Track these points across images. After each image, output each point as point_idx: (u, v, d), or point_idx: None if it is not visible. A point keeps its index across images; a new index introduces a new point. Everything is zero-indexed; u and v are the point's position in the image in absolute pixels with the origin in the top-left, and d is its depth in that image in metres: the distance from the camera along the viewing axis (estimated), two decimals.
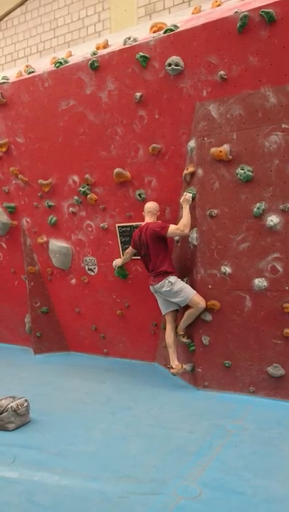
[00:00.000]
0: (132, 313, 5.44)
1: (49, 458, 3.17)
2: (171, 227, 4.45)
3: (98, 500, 2.61)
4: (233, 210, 4.22)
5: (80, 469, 2.98)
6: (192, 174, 4.44)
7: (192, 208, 4.47)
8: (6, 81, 5.68)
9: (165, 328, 4.76)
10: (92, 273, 5.65)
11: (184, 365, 4.55)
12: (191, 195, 4.41)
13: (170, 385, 4.65)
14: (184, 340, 4.58)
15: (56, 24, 8.00)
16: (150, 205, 4.74)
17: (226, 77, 4.13)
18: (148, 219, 4.70)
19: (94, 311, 5.73)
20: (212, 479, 2.78)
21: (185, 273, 4.69)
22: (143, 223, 4.71)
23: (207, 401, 4.16)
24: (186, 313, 4.52)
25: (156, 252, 4.55)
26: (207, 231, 4.36)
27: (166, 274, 4.52)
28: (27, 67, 5.73)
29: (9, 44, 8.91)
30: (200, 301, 4.38)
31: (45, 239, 5.91)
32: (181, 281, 4.53)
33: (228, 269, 4.27)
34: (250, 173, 4.07)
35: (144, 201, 4.94)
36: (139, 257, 4.87)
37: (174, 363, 4.57)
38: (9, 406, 3.67)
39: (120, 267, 5.25)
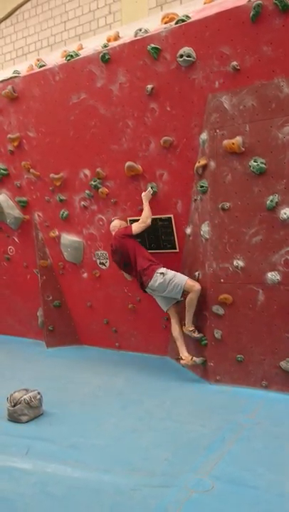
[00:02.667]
0: (143, 307, 5.43)
1: (62, 450, 3.19)
2: (134, 225, 4.79)
3: (111, 493, 2.62)
4: (245, 203, 4.17)
5: (92, 462, 3.00)
6: (204, 167, 4.40)
7: (204, 201, 4.43)
8: (17, 75, 5.68)
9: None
10: (103, 267, 5.65)
11: (194, 358, 4.54)
12: (152, 190, 4.80)
13: (182, 379, 4.65)
14: (196, 335, 4.55)
15: (67, 17, 7.98)
16: (112, 224, 5.11)
17: (238, 67, 4.07)
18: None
19: (105, 305, 5.74)
20: (224, 473, 2.78)
21: (196, 267, 4.66)
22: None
23: (219, 395, 4.14)
24: (187, 303, 4.54)
25: (132, 254, 4.72)
26: (219, 224, 4.32)
27: (151, 267, 4.61)
28: (38, 60, 5.72)
29: (20, 38, 8.92)
30: (194, 284, 4.48)
31: (57, 233, 5.93)
32: (170, 270, 4.60)
33: (240, 263, 4.23)
34: (264, 166, 4.01)
35: (156, 195, 4.91)
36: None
37: (184, 354, 4.59)
38: (22, 398, 3.71)
39: None
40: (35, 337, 6.61)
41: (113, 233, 5.05)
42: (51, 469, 2.92)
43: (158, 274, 4.56)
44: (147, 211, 4.76)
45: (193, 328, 4.59)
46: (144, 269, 4.65)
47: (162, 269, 4.60)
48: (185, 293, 4.56)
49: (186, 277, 4.55)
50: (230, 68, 4.11)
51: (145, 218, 4.73)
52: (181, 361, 4.61)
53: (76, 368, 5.24)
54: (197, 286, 4.47)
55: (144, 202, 4.80)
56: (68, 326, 6.23)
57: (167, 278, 4.54)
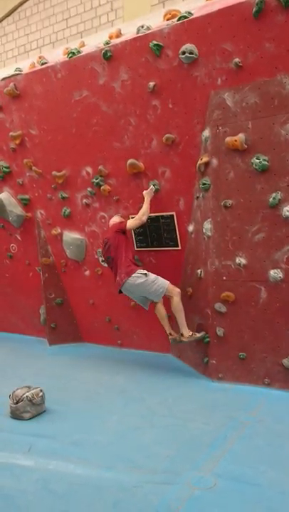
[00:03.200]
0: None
1: (64, 447, 3.20)
2: (129, 221, 4.86)
3: (113, 490, 2.63)
4: (248, 200, 4.16)
5: (94, 459, 3.01)
6: (206, 164, 4.39)
7: (206, 199, 4.42)
8: (19, 73, 5.67)
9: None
10: (106, 264, 5.64)
11: (194, 333, 4.60)
12: (154, 188, 4.82)
13: (184, 376, 4.65)
14: (198, 336, 4.54)
15: (69, 14, 7.96)
16: (113, 219, 5.11)
17: (241, 64, 4.05)
18: None
19: (108, 302, 5.74)
20: (227, 471, 2.78)
21: (199, 264, 4.65)
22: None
23: (221, 393, 4.14)
24: (173, 311, 4.62)
25: (120, 251, 4.75)
26: (221, 222, 4.31)
27: (131, 267, 4.67)
28: (40, 58, 5.71)
29: (22, 35, 8.91)
30: (174, 287, 4.63)
31: (59, 231, 5.93)
32: (151, 273, 4.66)
33: (242, 261, 4.22)
34: (266, 163, 4.00)
35: (158, 192, 4.91)
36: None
37: (169, 329, 4.77)
38: (25, 396, 3.72)
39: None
40: (37, 334, 6.62)
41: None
42: (53, 466, 2.93)
43: (139, 274, 4.60)
44: (146, 209, 4.78)
45: (191, 332, 4.59)
46: (125, 267, 4.67)
47: (142, 271, 4.66)
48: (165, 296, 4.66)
49: (167, 281, 4.63)
50: (233, 65, 4.09)
51: (141, 215, 4.77)
52: (182, 338, 4.64)
53: (78, 366, 5.25)
54: (177, 289, 4.63)
55: (145, 199, 4.82)
56: (70, 324, 6.24)
57: (150, 279, 4.59)
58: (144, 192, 4.85)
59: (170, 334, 4.77)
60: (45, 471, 2.88)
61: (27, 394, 3.74)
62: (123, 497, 2.55)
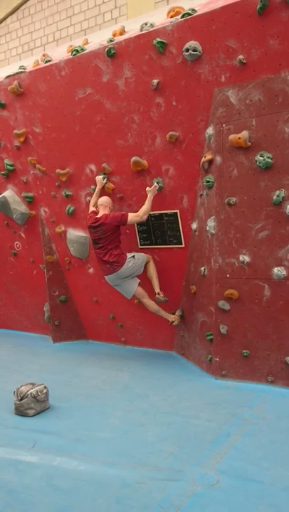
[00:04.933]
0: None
1: (68, 443, 3.22)
2: (131, 215, 4.88)
3: (116, 486, 2.64)
4: (252, 198, 4.16)
5: (98, 455, 3.03)
6: (210, 162, 4.38)
7: (210, 197, 4.42)
8: (23, 70, 5.68)
9: (142, 304, 5.24)
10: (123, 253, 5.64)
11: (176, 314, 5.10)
12: (158, 186, 4.84)
13: (187, 373, 4.66)
14: (164, 298, 5.03)
15: (72, 12, 7.94)
16: (103, 199, 5.14)
17: (245, 61, 4.04)
18: (102, 211, 5.08)
19: (111, 300, 5.76)
20: (230, 467, 2.79)
21: (202, 262, 4.66)
22: (96, 215, 5.07)
23: (225, 390, 4.15)
24: (151, 274, 5.11)
25: (112, 241, 4.95)
26: (225, 219, 4.31)
27: (122, 256, 4.96)
28: (44, 56, 5.71)
29: (26, 33, 8.91)
30: (147, 254, 5.13)
31: (63, 228, 5.94)
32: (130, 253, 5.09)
33: (246, 258, 4.22)
34: (270, 160, 3.99)
35: (162, 190, 4.91)
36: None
37: (170, 317, 5.08)
38: (29, 392, 3.74)
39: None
40: (41, 332, 6.65)
41: (101, 208, 5.09)
42: (57, 462, 2.95)
43: (129, 259, 4.97)
44: (148, 207, 4.83)
45: (161, 292, 5.06)
46: (118, 256, 4.94)
47: (130, 254, 5.04)
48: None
49: (142, 253, 5.13)
50: (237, 62, 4.08)
51: (142, 213, 4.82)
52: (173, 323, 5.10)
53: (82, 363, 5.27)
54: (149, 255, 5.16)
55: (148, 197, 4.84)
56: (74, 321, 6.26)
57: (135, 257, 5.01)
58: (147, 189, 4.85)
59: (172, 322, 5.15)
60: (50, 467, 2.90)
61: (31, 391, 3.76)
62: (126, 493, 2.57)
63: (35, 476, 2.80)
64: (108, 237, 4.93)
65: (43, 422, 3.60)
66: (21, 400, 3.74)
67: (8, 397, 3.90)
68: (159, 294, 5.06)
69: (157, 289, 5.08)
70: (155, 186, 4.84)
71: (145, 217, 4.84)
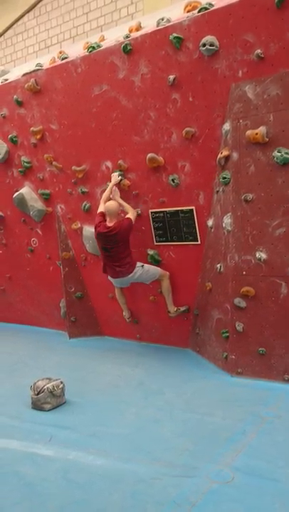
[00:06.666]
0: (164, 299, 5.43)
1: (83, 438, 3.25)
2: (131, 215, 5.03)
3: (131, 481, 2.66)
4: (269, 194, 4.11)
5: (113, 450, 3.05)
6: (227, 158, 4.34)
7: (226, 193, 4.39)
8: (39, 68, 5.72)
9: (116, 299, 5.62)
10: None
11: (178, 308, 5.22)
12: (119, 177, 5.17)
13: (203, 371, 4.65)
14: (183, 309, 5.16)
15: (89, 8, 7.95)
16: (112, 207, 5.08)
17: (262, 55, 3.98)
18: (113, 219, 5.04)
19: (127, 296, 5.77)
20: (245, 465, 2.78)
21: (218, 259, 4.63)
22: (106, 224, 5.05)
23: (240, 388, 4.12)
24: (163, 291, 5.19)
25: (124, 248, 5.03)
26: (242, 216, 4.27)
27: (133, 262, 5.08)
28: (60, 53, 5.74)
29: (43, 31, 8.96)
30: (165, 272, 5.16)
31: (79, 225, 5.98)
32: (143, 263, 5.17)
33: (263, 255, 4.18)
34: (288, 156, 3.93)
35: (178, 186, 4.89)
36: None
37: (172, 308, 5.21)
38: (45, 387, 3.79)
39: (153, 253, 5.28)
40: (57, 327, 6.71)
41: (111, 216, 5.03)
42: (73, 456, 2.99)
43: (138, 268, 5.07)
44: (126, 204, 5.12)
45: (175, 307, 5.18)
46: (128, 263, 5.04)
47: (139, 263, 5.11)
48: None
49: (158, 268, 5.18)
50: (254, 56, 4.03)
51: (131, 208, 5.09)
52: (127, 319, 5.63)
53: (98, 359, 5.30)
54: (167, 273, 5.17)
55: (118, 200, 5.15)
56: (90, 317, 6.30)
57: (145, 269, 5.10)
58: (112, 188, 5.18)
59: (129, 318, 5.63)
60: (65, 461, 2.94)
61: (48, 385, 3.81)
62: (141, 488, 2.58)
63: (52, 469, 2.84)
64: (121, 246, 4.99)
65: (59, 417, 3.64)
66: (38, 394, 3.79)
67: (25, 391, 3.95)
68: (170, 312, 5.19)
69: (170, 307, 5.18)
70: (114, 176, 5.16)
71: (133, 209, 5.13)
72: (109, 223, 5.01)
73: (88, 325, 6.30)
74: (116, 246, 4.98)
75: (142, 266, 5.09)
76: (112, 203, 5.10)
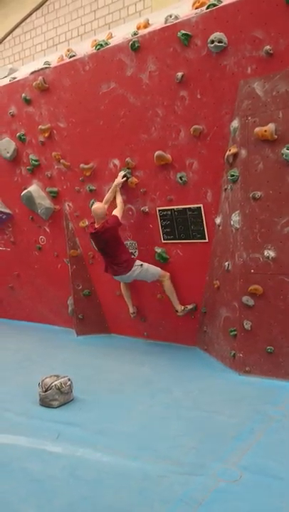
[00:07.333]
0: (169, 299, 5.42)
1: (91, 435, 3.26)
2: (117, 212, 5.09)
3: (138, 478, 2.67)
4: (277, 192, 4.08)
5: (120, 448, 3.05)
6: (235, 155, 4.32)
7: (235, 191, 4.36)
8: (47, 66, 5.72)
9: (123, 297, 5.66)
10: (132, 257, 5.67)
11: (185, 306, 5.19)
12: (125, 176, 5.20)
13: (210, 369, 4.64)
14: (190, 307, 5.15)
15: (97, 6, 7.95)
16: (100, 210, 5.14)
17: (271, 52, 3.95)
18: (99, 221, 5.13)
19: (134, 294, 5.77)
20: (253, 464, 2.77)
21: (226, 257, 4.61)
22: (94, 225, 5.19)
23: (248, 386, 4.11)
24: (166, 291, 5.20)
25: (116, 245, 5.11)
26: (250, 214, 4.24)
27: (131, 260, 5.13)
28: (68, 51, 5.73)
29: (51, 29, 8.98)
30: (165, 273, 5.16)
31: (86, 223, 5.98)
32: (142, 262, 5.18)
33: (271, 253, 4.15)
34: None
35: (186, 184, 4.87)
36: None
37: (178, 307, 5.20)
38: (53, 384, 3.81)
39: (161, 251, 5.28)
40: (65, 325, 6.74)
41: (98, 219, 5.13)
42: (80, 453, 3.00)
43: (136, 267, 5.11)
44: (119, 199, 5.17)
45: (182, 306, 5.17)
46: (125, 261, 5.10)
47: (138, 262, 5.15)
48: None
49: (158, 268, 5.18)
50: (263, 53, 3.99)
51: (120, 204, 5.15)
52: (132, 315, 5.62)
53: (105, 356, 5.32)
54: (167, 273, 5.17)
55: (113, 187, 5.20)
56: (98, 315, 6.32)
57: (144, 268, 5.13)
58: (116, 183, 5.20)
59: (133, 313, 5.64)
60: (73, 457, 2.95)
61: (55, 382, 3.82)
62: (148, 486, 2.59)
63: (59, 466, 2.86)
64: (112, 244, 5.08)
65: (67, 414, 3.66)
66: (46, 391, 3.80)
67: (33, 388, 3.98)
68: (178, 311, 5.18)
69: (177, 307, 5.18)
70: (120, 176, 5.19)
71: (123, 205, 5.19)
72: (97, 225, 5.16)
73: (96, 322, 6.31)
74: (107, 245, 5.12)
75: (141, 265, 5.13)
76: (98, 206, 5.20)
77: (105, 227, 5.04)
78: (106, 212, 5.19)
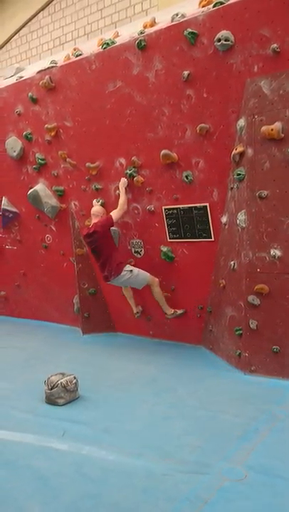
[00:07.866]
0: (177, 296, 5.43)
1: (96, 433, 3.27)
2: (114, 213, 5.16)
3: (143, 477, 2.67)
4: (284, 191, 4.06)
5: (125, 446, 3.06)
6: (241, 154, 4.31)
7: (241, 190, 4.35)
8: (54, 65, 5.74)
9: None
10: (138, 256, 5.67)
11: (175, 310, 5.31)
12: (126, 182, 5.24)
13: (216, 368, 4.63)
14: (179, 312, 5.29)
15: (103, 4, 7.95)
16: (95, 209, 5.44)
17: (279, 50, 3.93)
18: (94, 220, 5.35)
19: (140, 293, 5.77)
20: (258, 463, 2.76)
21: (232, 256, 4.60)
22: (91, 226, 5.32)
23: (254, 386, 4.10)
24: (155, 297, 5.28)
25: (107, 247, 5.21)
26: (256, 213, 4.23)
27: (120, 265, 5.19)
28: (74, 50, 5.74)
29: (57, 28, 9.00)
30: (154, 278, 5.24)
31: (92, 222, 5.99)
32: (134, 267, 5.25)
33: (277, 253, 4.13)
34: None
35: (192, 183, 4.87)
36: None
37: (169, 310, 5.33)
38: (59, 382, 3.82)
39: (166, 250, 5.28)
40: (71, 323, 6.76)
41: (93, 217, 5.36)
42: (86, 451, 3.01)
43: (126, 272, 5.18)
44: (123, 199, 5.19)
45: (172, 310, 5.29)
46: (115, 265, 5.17)
47: (128, 267, 5.22)
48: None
49: (148, 273, 5.23)
50: (270, 51, 3.97)
51: (121, 205, 5.18)
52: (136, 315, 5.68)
53: (111, 355, 5.33)
54: (156, 279, 5.25)
55: (120, 190, 5.22)
56: (103, 314, 6.33)
57: (134, 274, 5.19)
58: (120, 184, 5.24)
59: (137, 313, 5.67)
60: (79, 455, 2.97)
61: (61, 380, 3.84)
62: (153, 484, 2.59)
63: (65, 463, 2.87)
64: (101, 244, 5.19)
65: (73, 412, 3.68)
66: (52, 389, 3.82)
67: (39, 386, 4.00)
68: (166, 314, 5.31)
69: (166, 310, 5.30)
70: (123, 178, 5.23)
71: (126, 206, 5.21)
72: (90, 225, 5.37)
73: (101, 321, 6.33)
74: (98, 245, 5.23)
75: (131, 271, 5.19)
76: (95, 208, 5.40)
77: (96, 226, 5.20)
78: (103, 213, 5.36)
